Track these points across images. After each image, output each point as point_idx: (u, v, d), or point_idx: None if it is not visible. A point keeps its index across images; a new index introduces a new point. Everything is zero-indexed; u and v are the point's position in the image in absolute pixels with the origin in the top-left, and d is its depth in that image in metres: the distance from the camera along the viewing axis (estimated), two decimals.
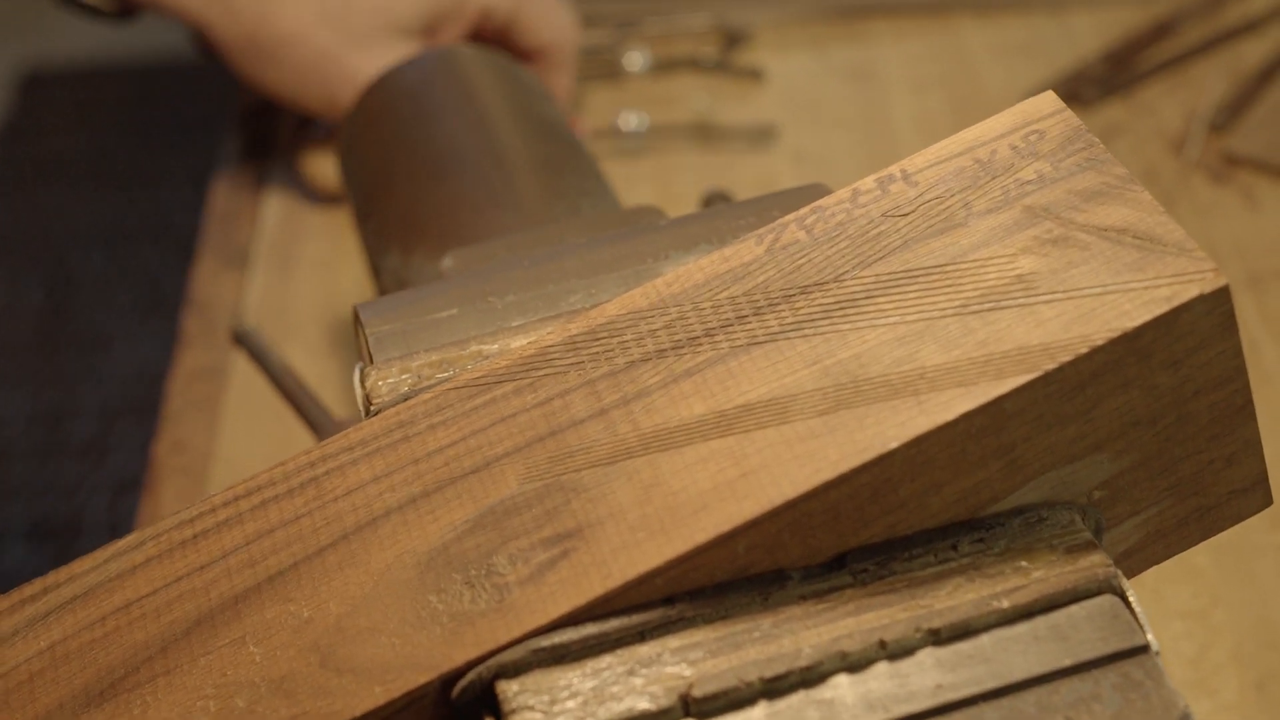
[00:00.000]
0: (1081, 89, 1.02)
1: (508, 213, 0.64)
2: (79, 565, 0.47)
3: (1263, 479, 0.47)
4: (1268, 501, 0.48)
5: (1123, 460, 0.44)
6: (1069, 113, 0.47)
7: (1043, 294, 0.44)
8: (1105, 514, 0.45)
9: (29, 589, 0.47)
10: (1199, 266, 0.43)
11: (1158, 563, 0.47)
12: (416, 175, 0.68)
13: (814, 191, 0.55)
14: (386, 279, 0.66)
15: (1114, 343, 0.42)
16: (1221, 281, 0.42)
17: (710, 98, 1.05)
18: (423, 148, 0.70)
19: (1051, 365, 0.42)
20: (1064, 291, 0.43)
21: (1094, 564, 0.43)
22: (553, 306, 0.52)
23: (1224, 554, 0.75)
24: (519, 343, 0.50)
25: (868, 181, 0.48)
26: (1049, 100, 0.48)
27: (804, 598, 0.43)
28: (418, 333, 0.52)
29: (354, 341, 0.58)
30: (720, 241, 0.54)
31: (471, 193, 0.66)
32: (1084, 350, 0.42)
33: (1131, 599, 0.43)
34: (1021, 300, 0.44)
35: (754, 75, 1.07)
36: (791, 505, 0.42)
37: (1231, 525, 0.48)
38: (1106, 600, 0.43)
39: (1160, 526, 0.47)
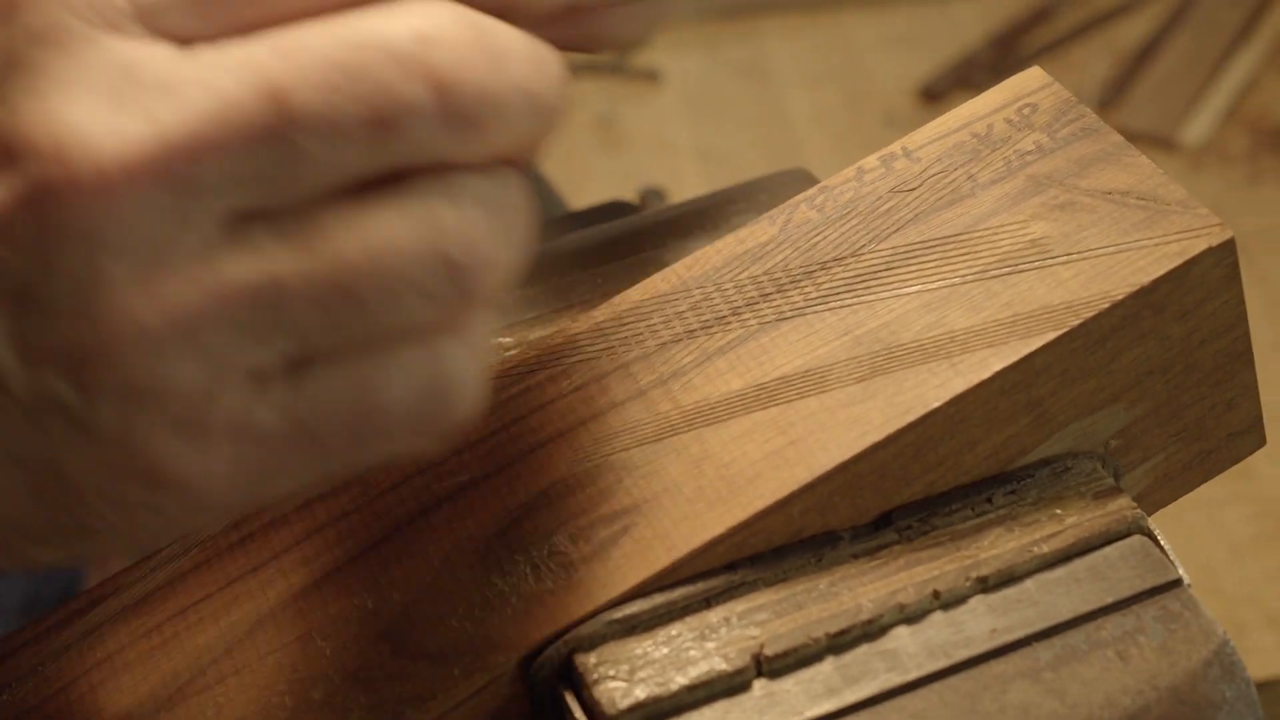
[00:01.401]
0: (971, 74, 1.06)
1: None
2: (123, 577, 0.47)
3: (1258, 421, 0.50)
4: (1262, 441, 0.51)
5: (1136, 409, 0.47)
6: (1058, 85, 0.50)
7: (1058, 256, 0.46)
8: (1120, 462, 0.48)
9: (75, 603, 0.47)
10: (1205, 222, 0.45)
11: (1164, 506, 0.50)
12: None
13: (795, 176, 0.57)
14: None
15: (1132, 297, 0.45)
16: (1228, 234, 0.45)
17: (609, 100, 1.07)
18: None
19: (1076, 321, 0.44)
20: (1079, 253, 0.46)
21: (1121, 507, 0.46)
22: (562, 298, 0.54)
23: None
24: (537, 334, 0.52)
25: (871, 160, 0.50)
26: (1036, 75, 0.51)
27: (855, 556, 0.45)
28: None
29: None
30: (715, 228, 0.56)
31: None
32: (1105, 305, 0.44)
33: (1159, 537, 0.45)
34: (1038, 263, 0.46)
35: (651, 76, 1.09)
36: (843, 468, 0.44)
37: (1230, 466, 0.51)
38: (1137, 540, 0.45)
39: (1168, 471, 0.49)
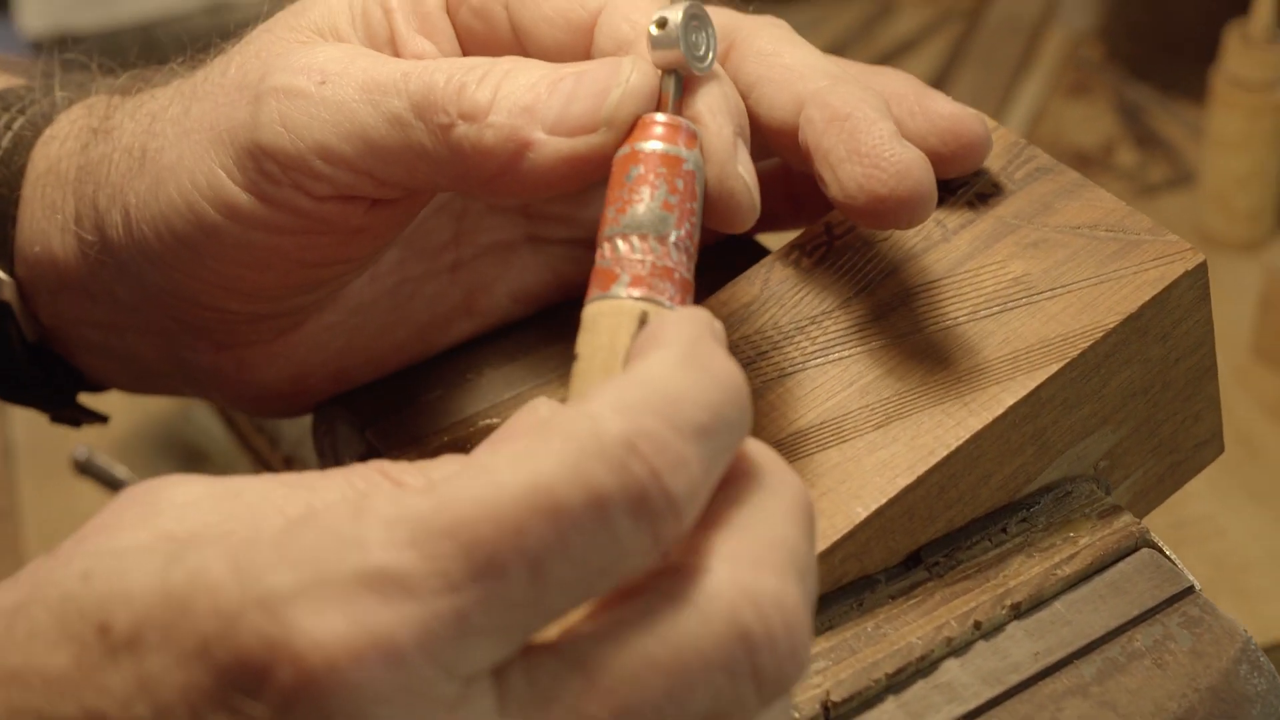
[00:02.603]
0: None
1: None
2: None
3: (1219, 429, 0.53)
4: (1221, 449, 0.54)
5: (1121, 430, 0.50)
6: (1003, 129, 0.52)
7: (1043, 291, 0.48)
8: (1108, 481, 0.50)
9: None
10: (1178, 248, 0.48)
11: (1142, 518, 0.53)
12: None
13: None
14: None
15: (1122, 324, 0.47)
16: (1200, 258, 0.48)
17: None
18: None
19: (1075, 352, 0.47)
20: (1062, 286, 0.48)
21: (1126, 524, 0.48)
22: (536, 375, 0.54)
23: None
24: None
25: (835, 215, 0.52)
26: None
27: (892, 597, 0.46)
28: (415, 419, 0.53)
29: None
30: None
31: None
32: (1099, 335, 0.47)
33: (1164, 547, 0.48)
34: (1025, 300, 0.48)
35: None
36: (878, 512, 0.45)
37: (1194, 475, 0.54)
38: (1146, 554, 0.48)
39: (1145, 485, 0.52)
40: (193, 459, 0.94)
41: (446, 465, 0.37)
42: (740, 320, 0.50)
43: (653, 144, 0.43)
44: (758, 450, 0.37)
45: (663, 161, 0.43)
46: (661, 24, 0.44)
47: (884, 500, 0.45)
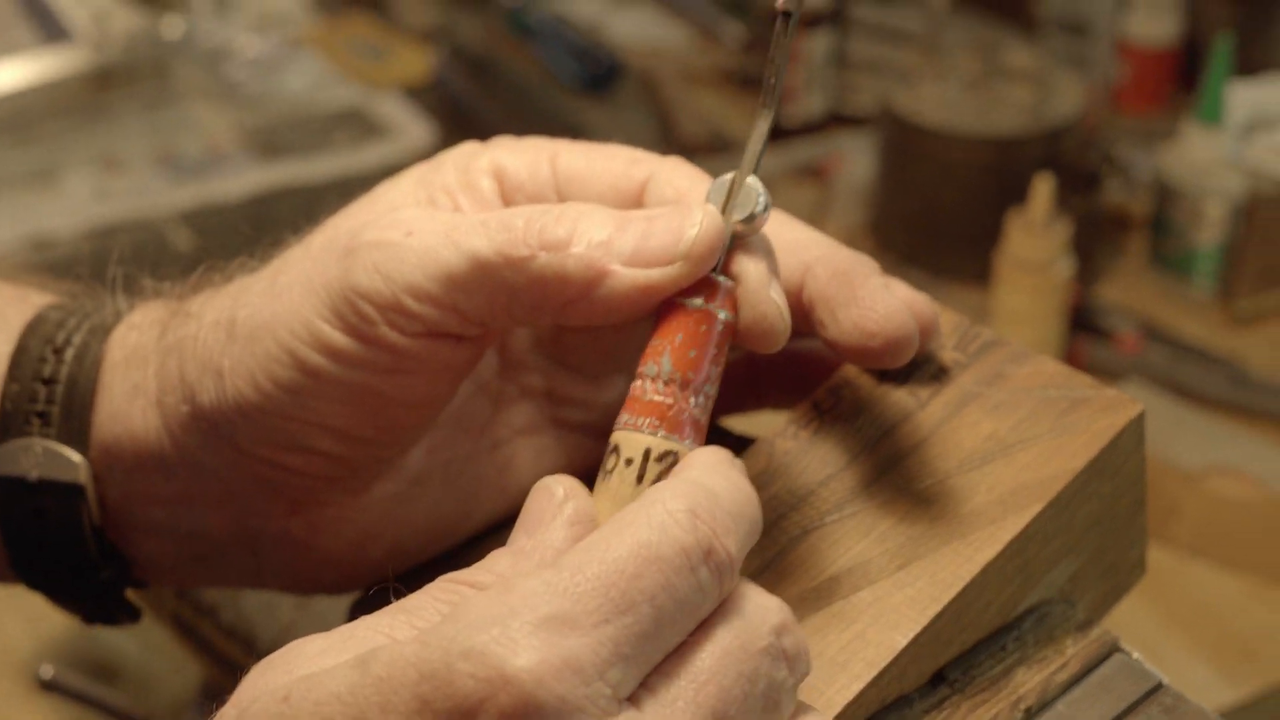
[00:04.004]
0: None
1: None
2: None
3: (1144, 554, 0.63)
4: (1144, 571, 0.63)
5: (1081, 558, 0.59)
6: (948, 311, 0.62)
7: (1013, 444, 0.58)
8: (1074, 601, 0.60)
9: None
10: (1119, 400, 0.58)
11: None
12: None
13: None
14: None
15: (1087, 467, 0.57)
16: (1140, 407, 0.58)
17: None
18: None
19: (1053, 493, 0.56)
20: (1030, 439, 0.58)
21: (1100, 635, 0.57)
22: None
23: None
24: None
25: (820, 393, 0.61)
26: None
27: (925, 712, 0.54)
28: None
29: None
30: None
31: None
32: (1069, 477, 0.56)
33: (1133, 652, 0.57)
34: (1000, 453, 0.58)
35: None
36: (915, 640, 0.53)
37: (1123, 597, 0.63)
38: (1118, 658, 0.57)
39: (1095, 603, 0.61)
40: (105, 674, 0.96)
41: (499, 561, 0.47)
42: (758, 487, 0.58)
43: (696, 300, 0.52)
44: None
45: (694, 317, 0.52)
46: (719, 186, 0.54)
47: (919, 629, 0.53)
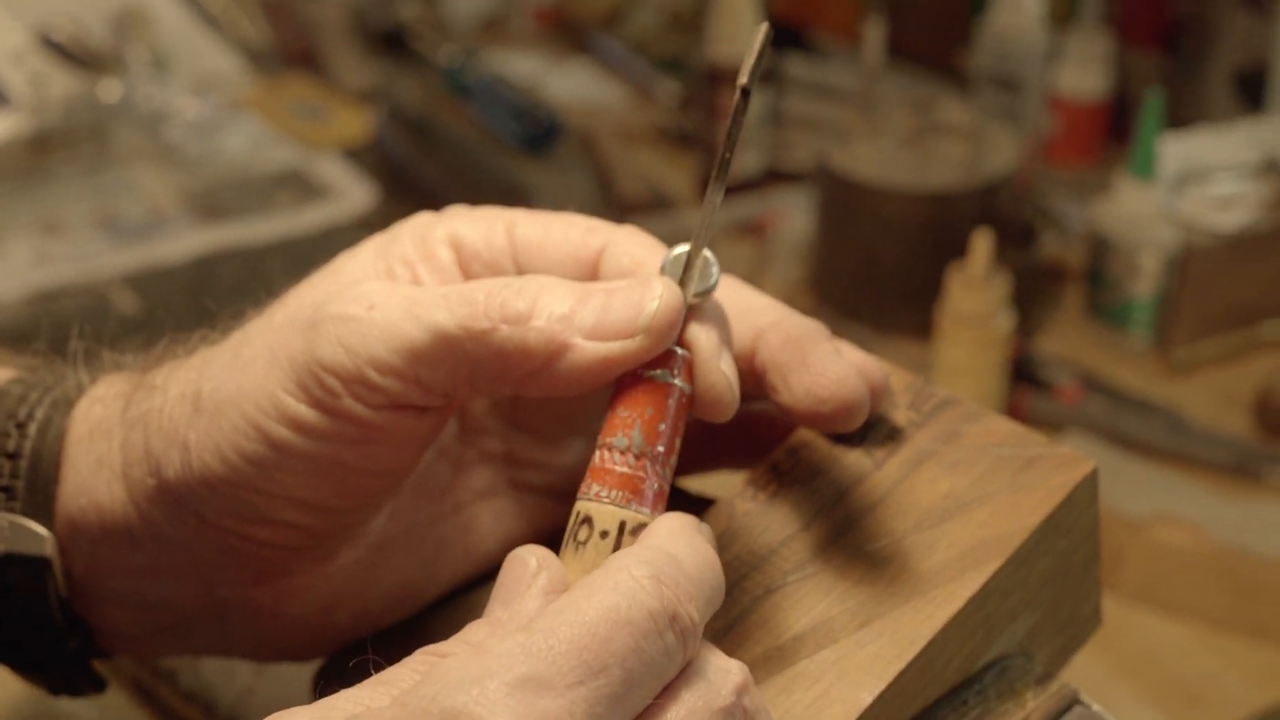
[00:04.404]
0: None
1: None
2: None
3: (1099, 606, 0.64)
4: (1100, 622, 0.65)
5: (1038, 612, 0.60)
6: (900, 371, 0.63)
7: (970, 502, 0.59)
8: (1032, 655, 0.61)
9: None
10: (1072, 457, 0.59)
11: None
12: None
13: None
14: None
15: (1043, 523, 0.58)
16: (1092, 464, 0.59)
17: None
18: None
19: (1011, 549, 0.57)
20: (986, 495, 0.59)
21: (1060, 687, 0.58)
22: None
23: None
24: None
25: (779, 453, 0.62)
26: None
27: None
28: None
29: None
30: None
31: None
32: (1026, 534, 0.57)
33: (1092, 703, 0.58)
34: (958, 510, 0.59)
35: None
36: (880, 697, 0.54)
37: (1079, 649, 0.64)
38: (1079, 709, 0.58)
39: (1051, 656, 0.62)
40: None
41: (475, 632, 0.48)
42: (720, 548, 0.59)
43: (658, 371, 0.54)
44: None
45: (662, 391, 0.54)
46: (675, 259, 0.55)
47: (884, 686, 0.54)
